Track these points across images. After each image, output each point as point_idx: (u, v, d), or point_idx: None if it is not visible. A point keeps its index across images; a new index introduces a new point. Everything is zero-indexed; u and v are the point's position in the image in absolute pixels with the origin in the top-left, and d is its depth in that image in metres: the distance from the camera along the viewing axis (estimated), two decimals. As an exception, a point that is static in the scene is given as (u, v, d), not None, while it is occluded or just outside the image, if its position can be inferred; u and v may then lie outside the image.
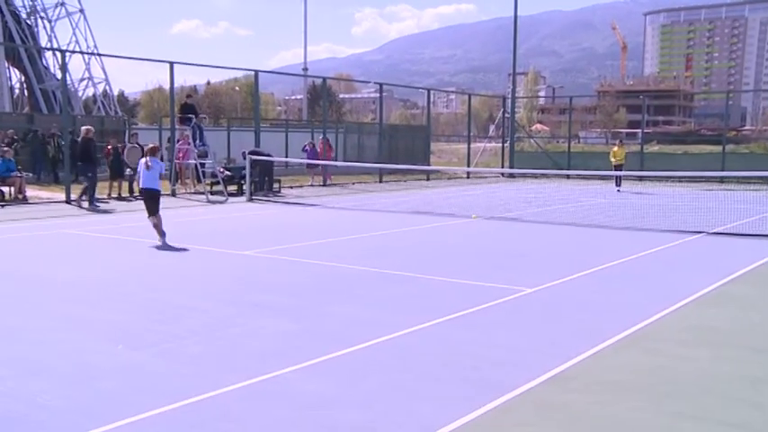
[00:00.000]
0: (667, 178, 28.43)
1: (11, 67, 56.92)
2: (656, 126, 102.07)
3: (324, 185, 26.38)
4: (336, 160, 30.19)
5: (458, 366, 5.60)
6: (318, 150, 27.25)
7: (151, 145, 12.75)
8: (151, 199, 12.18)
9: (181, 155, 22.31)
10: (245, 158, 21.65)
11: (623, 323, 6.87)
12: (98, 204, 18.47)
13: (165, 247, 11.66)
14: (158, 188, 12.31)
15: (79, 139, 18.98)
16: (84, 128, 18.88)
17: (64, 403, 4.78)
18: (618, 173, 24.42)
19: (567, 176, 31.52)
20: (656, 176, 28.19)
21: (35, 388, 5.04)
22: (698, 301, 7.95)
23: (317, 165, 25.94)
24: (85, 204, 18.07)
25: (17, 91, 59.39)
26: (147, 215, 12.20)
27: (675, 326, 6.94)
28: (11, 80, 57.55)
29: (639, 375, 5.43)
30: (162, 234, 11.96)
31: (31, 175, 23.36)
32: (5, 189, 19.11)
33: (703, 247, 12.27)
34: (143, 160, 12.31)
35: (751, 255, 11.09)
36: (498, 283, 8.75)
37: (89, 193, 18.29)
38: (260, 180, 22.34)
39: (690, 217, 15.66)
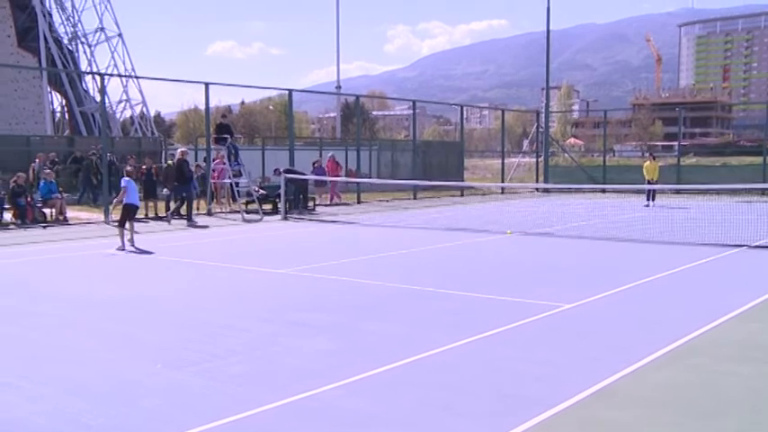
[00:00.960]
0: (706, 191, 27.97)
1: (52, 92, 58.35)
2: (693, 138, 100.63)
3: (330, 204, 25.66)
4: (360, 176, 30.26)
5: (497, 383, 5.56)
6: (326, 169, 26.26)
7: (128, 168, 15.32)
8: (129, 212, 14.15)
9: (216, 174, 22.58)
10: (277, 175, 21.96)
11: (664, 339, 6.76)
12: (196, 221, 19.34)
13: (203, 266, 11.80)
14: (131, 201, 14.13)
15: (174, 161, 20.28)
16: (179, 150, 20.43)
17: (106, 422, 4.84)
18: (650, 186, 24.05)
19: (603, 191, 31.20)
20: (694, 189, 27.74)
21: (78, 407, 5.12)
22: (741, 317, 7.80)
23: (325, 182, 25.18)
24: (174, 221, 19.21)
25: (58, 114, 60.84)
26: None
27: (718, 341, 6.81)
28: (52, 104, 58.99)
29: (682, 392, 5.33)
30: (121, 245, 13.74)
31: (68, 195, 23.80)
32: (47, 210, 19.53)
33: (745, 260, 12.03)
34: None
35: (795, 268, 10.85)
36: (536, 299, 8.68)
37: (187, 210, 19.46)
38: (295, 198, 22.50)
39: (730, 230, 15.38)
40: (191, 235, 16.66)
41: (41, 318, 8.15)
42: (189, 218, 19.32)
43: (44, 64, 52.10)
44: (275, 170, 23.40)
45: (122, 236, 13.90)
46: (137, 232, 14.74)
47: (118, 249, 13.70)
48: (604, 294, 9.03)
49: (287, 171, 21.86)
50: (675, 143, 40.57)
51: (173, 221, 19.15)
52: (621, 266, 11.61)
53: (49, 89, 56.73)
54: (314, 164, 26.10)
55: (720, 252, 12.73)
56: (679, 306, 8.34)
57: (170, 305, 8.78)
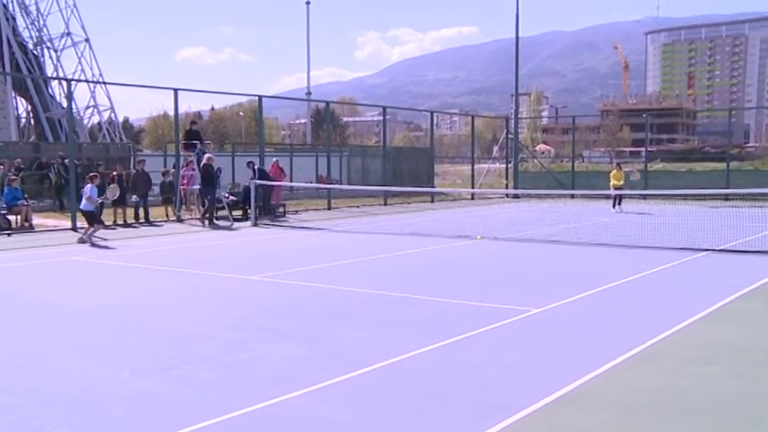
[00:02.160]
0: (672, 196, 28.41)
1: (17, 97, 57.49)
2: (660, 144, 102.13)
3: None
4: (340, 183, 30.14)
5: (466, 388, 5.59)
6: (270, 174, 23.67)
7: (91, 174, 16.95)
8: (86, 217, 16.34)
9: (185, 181, 22.39)
10: (250, 168, 21.98)
11: (632, 342, 6.85)
12: (217, 223, 20.12)
13: (172, 272, 11.70)
14: (85, 208, 16.17)
15: (201, 166, 20.99)
16: (206, 156, 20.96)
17: (71, 431, 4.78)
18: (617, 192, 24.45)
19: (572, 196, 31.53)
20: (660, 194, 28.17)
21: (44, 415, 5.05)
22: (706, 319, 7.93)
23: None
24: (206, 222, 20.07)
25: (23, 120, 59.93)
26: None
27: (684, 344, 6.92)
28: (17, 109, 58.12)
29: (650, 394, 5.41)
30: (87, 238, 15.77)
31: (33, 202, 23.45)
32: (12, 217, 19.20)
33: (709, 264, 12.24)
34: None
35: (758, 271, 11.07)
36: (505, 304, 8.74)
37: (209, 211, 20.30)
38: (264, 204, 22.39)
39: (695, 235, 15.63)
40: (159, 242, 16.49)
41: (7, 327, 8.02)
42: (210, 220, 20.24)
43: (8, 69, 51.30)
44: (248, 163, 23.34)
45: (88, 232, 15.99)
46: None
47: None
48: (572, 299, 9.12)
49: (260, 170, 21.93)
50: (643, 149, 41.17)
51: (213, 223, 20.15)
52: (589, 271, 11.74)
53: (13, 94, 55.87)
54: (248, 164, 23.90)
55: (686, 256, 12.94)
56: (646, 309, 8.46)
57: (138, 312, 8.69)
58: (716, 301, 8.80)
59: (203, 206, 21.98)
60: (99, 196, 16.61)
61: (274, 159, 26.19)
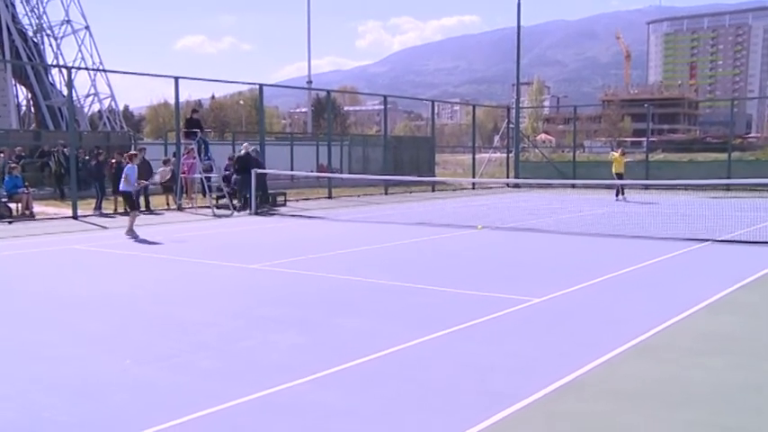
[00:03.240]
0: (673, 186, 28.38)
1: (17, 85, 57.40)
2: (661, 134, 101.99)
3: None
4: (341, 172, 30.15)
5: (467, 377, 5.59)
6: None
7: (131, 152, 16.36)
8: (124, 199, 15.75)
9: (186, 169, 22.36)
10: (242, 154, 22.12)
11: (633, 332, 6.84)
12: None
13: (173, 261, 11.70)
14: (123, 189, 15.43)
15: (242, 154, 21.72)
16: (243, 145, 21.86)
17: (70, 419, 4.78)
18: (619, 182, 24.27)
19: (573, 186, 31.49)
20: (661, 185, 28.12)
21: (44, 403, 5.05)
22: (707, 309, 7.92)
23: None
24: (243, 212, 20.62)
25: (24, 108, 59.84)
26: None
27: (685, 334, 6.91)
28: (17, 97, 58.04)
29: (651, 384, 5.40)
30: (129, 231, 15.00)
31: (34, 190, 23.43)
32: (13, 205, 19.20)
33: (711, 255, 12.23)
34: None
35: (759, 262, 11.06)
36: (506, 294, 8.73)
37: (249, 201, 20.85)
38: (263, 193, 22.36)
39: (697, 225, 15.61)
40: (159, 230, 16.48)
41: (9, 314, 8.03)
42: (242, 208, 20.93)
43: (8, 56, 51.17)
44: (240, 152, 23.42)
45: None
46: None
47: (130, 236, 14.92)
48: (574, 288, 9.11)
49: (242, 158, 22.04)
50: (644, 139, 41.06)
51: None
52: (591, 260, 11.73)
53: (13, 82, 55.77)
54: (229, 158, 23.74)
55: (687, 246, 12.92)
56: (647, 299, 8.45)
57: (139, 301, 8.68)
58: (717, 291, 8.79)
59: (204, 195, 22.01)
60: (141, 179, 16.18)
61: (252, 148, 22.77)
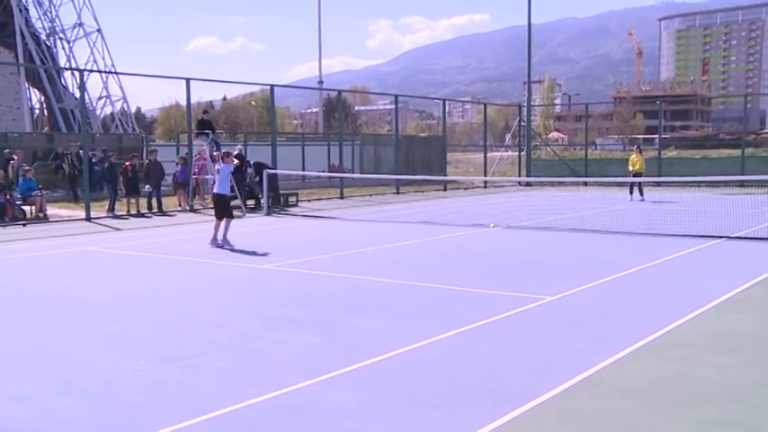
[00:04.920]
0: (686, 183, 28.21)
1: (31, 88, 57.80)
2: (674, 131, 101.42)
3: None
4: (352, 172, 30.17)
5: (479, 376, 5.60)
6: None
7: (224, 151, 14.38)
8: (216, 204, 13.72)
9: (197, 170, 22.46)
10: (249, 166, 22.23)
11: (645, 330, 6.83)
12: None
13: (186, 262, 11.77)
14: (220, 192, 13.57)
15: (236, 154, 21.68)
16: (237, 147, 22.11)
17: (87, 419, 4.83)
18: (634, 179, 23.97)
19: (585, 184, 31.38)
20: (674, 182, 27.95)
21: (61, 404, 5.10)
22: (720, 307, 7.89)
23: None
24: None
25: (37, 111, 60.28)
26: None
27: (698, 332, 6.89)
28: (31, 100, 58.46)
29: (663, 382, 5.40)
30: (213, 239, 13.32)
31: (47, 192, 23.61)
32: (27, 208, 19.35)
33: (724, 251, 12.17)
34: (216, 167, 13.86)
35: (773, 259, 10.99)
36: (519, 292, 8.73)
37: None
38: (275, 194, 22.46)
39: (710, 222, 15.53)
40: (172, 231, 16.57)
41: (24, 316, 8.10)
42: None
43: (21, 60, 51.55)
44: (248, 162, 23.72)
45: (217, 228, 13.41)
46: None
47: (213, 243, 13.33)
48: (587, 286, 9.10)
49: (257, 164, 22.14)
50: (656, 136, 40.86)
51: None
52: (603, 259, 11.70)
53: (27, 85, 56.20)
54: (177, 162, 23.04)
55: (701, 243, 12.86)
56: (660, 297, 8.43)
57: (153, 301, 8.75)
58: (731, 288, 8.76)
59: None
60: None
61: (238, 148, 22.95)
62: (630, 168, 25.03)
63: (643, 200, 23.74)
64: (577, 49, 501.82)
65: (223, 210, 13.43)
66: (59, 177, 26.06)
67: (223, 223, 13.37)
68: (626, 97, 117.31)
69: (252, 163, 22.91)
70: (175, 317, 7.87)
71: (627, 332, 6.81)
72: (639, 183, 24.13)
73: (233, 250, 12.96)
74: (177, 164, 22.64)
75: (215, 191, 13.75)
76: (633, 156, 25.49)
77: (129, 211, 20.49)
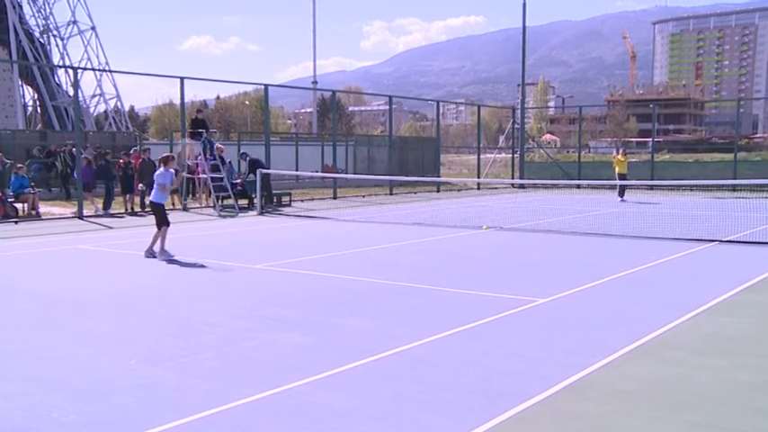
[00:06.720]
0: (679, 187, 28.31)
1: (24, 85, 57.58)
2: (667, 135, 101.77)
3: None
4: (346, 173, 30.13)
5: (471, 377, 5.59)
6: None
7: (165, 154, 12.78)
8: (153, 213, 12.62)
9: (199, 170, 22.39)
10: (244, 160, 22.20)
11: (638, 332, 6.83)
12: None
13: (177, 261, 11.71)
14: (155, 200, 12.36)
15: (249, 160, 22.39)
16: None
17: (76, 418, 4.79)
18: (621, 182, 24.10)
19: (578, 186, 31.45)
20: (667, 185, 28.06)
21: (51, 403, 5.06)
22: (712, 310, 7.90)
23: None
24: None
25: (30, 108, 60.05)
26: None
27: (690, 334, 6.90)
28: (24, 98, 58.24)
29: (655, 384, 5.39)
30: (150, 250, 12.12)
31: (40, 190, 23.47)
32: (19, 206, 19.26)
33: (716, 255, 12.20)
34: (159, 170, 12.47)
35: (765, 263, 11.03)
36: (511, 294, 8.73)
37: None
38: (268, 194, 22.42)
39: (702, 225, 15.58)
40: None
41: (15, 314, 8.04)
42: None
43: (15, 57, 51.35)
44: (241, 154, 23.86)
45: (155, 239, 12.20)
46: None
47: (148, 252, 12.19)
48: (579, 289, 9.10)
49: (253, 161, 22.07)
50: (649, 139, 40.99)
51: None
52: (596, 261, 11.70)
53: (20, 83, 55.98)
54: (241, 155, 23.76)
55: (693, 247, 12.89)
56: (653, 300, 8.43)
57: (144, 301, 8.70)
58: (723, 292, 8.77)
59: (209, 195, 22.12)
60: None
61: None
62: (616, 170, 25.15)
63: (624, 201, 23.89)
64: (572, 52, 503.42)
65: (161, 219, 12.24)
66: (52, 175, 25.95)
67: (160, 233, 12.19)
68: (619, 100, 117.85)
69: (248, 159, 22.88)
70: (165, 316, 7.83)
71: (619, 334, 6.81)
72: (621, 184, 24.21)
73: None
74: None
75: (151, 199, 12.51)
76: (616, 157, 25.57)
77: (126, 209, 20.45)
